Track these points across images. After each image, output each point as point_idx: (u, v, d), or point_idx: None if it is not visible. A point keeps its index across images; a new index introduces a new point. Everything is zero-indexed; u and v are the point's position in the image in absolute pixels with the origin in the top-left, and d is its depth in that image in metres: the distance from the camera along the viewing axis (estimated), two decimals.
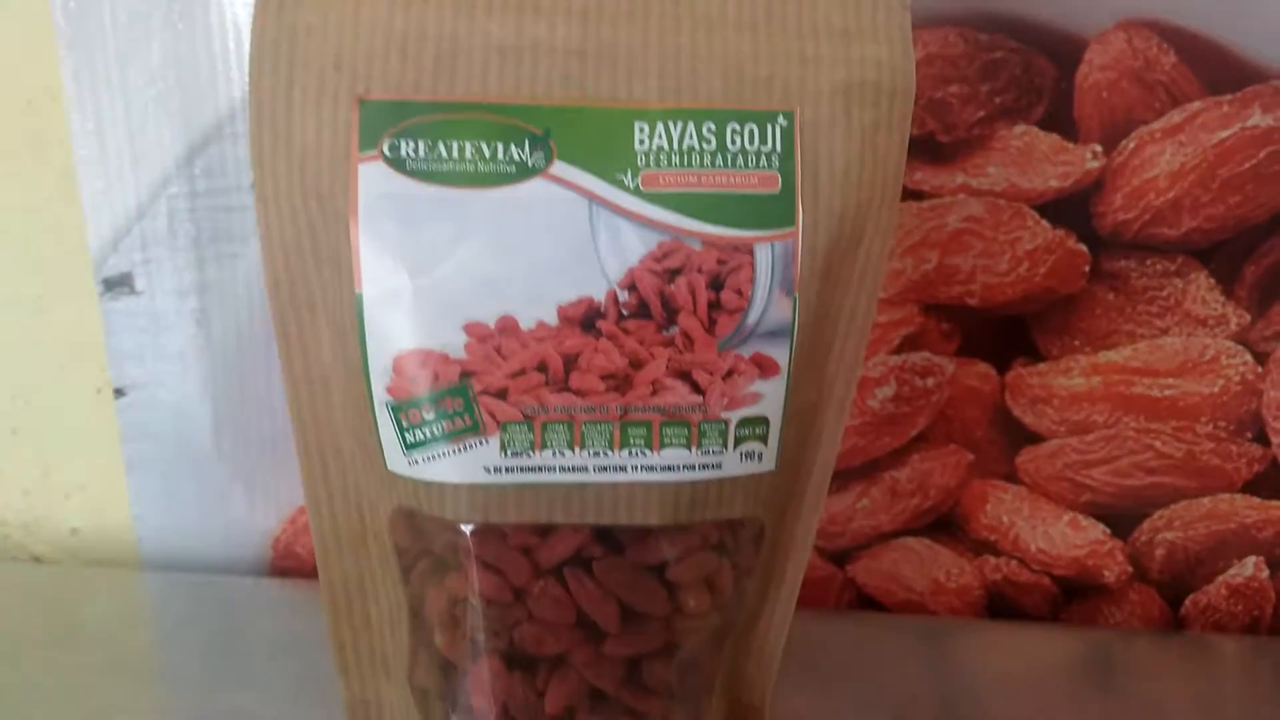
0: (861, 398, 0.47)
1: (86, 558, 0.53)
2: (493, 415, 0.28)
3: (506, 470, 0.29)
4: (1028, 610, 0.50)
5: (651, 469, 0.29)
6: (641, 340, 0.28)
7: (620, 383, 0.28)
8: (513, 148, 0.28)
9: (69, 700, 0.40)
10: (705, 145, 0.28)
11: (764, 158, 0.28)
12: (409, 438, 0.29)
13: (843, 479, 0.48)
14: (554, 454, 0.29)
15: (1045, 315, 0.46)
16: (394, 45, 0.27)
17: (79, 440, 0.51)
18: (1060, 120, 0.44)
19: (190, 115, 0.46)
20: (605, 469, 0.29)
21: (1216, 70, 0.43)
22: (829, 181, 0.29)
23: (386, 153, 0.27)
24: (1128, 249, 0.45)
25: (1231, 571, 0.48)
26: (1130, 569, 0.49)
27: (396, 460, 0.29)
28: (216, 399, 0.49)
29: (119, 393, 0.50)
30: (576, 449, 0.29)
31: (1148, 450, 0.47)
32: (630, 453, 0.29)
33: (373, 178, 0.27)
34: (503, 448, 0.28)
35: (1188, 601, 0.49)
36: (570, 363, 0.28)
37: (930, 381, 0.47)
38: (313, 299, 0.29)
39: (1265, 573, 0.48)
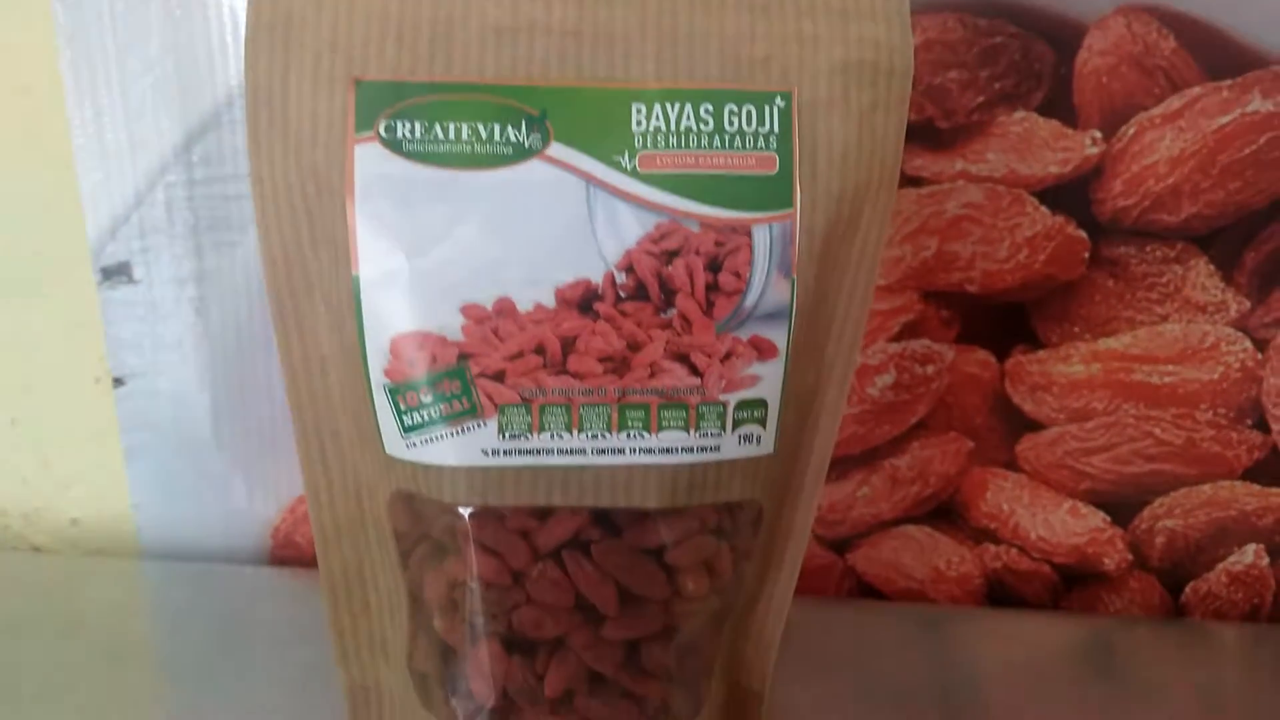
0: (861, 385, 0.47)
1: (86, 548, 0.53)
2: (490, 398, 0.28)
3: (504, 453, 0.29)
4: (1028, 598, 0.49)
5: (650, 451, 0.29)
6: (639, 322, 0.28)
7: (618, 365, 0.28)
8: (509, 129, 0.28)
9: (69, 690, 0.40)
10: (703, 126, 0.28)
11: (762, 139, 0.28)
12: (407, 420, 0.29)
13: (843, 467, 0.48)
14: (552, 436, 0.29)
15: (1045, 302, 0.46)
16: (390, 26, 0.27)
17: (78, 430, 0.51)
18: (1060, 106, 0.44)
19: (188, 103, 0.46)
20: (603, 451, 0.29)
21: (1216, 55, 0.43)
22: (827, 163, 0.29)
23: (383, 134, 0.27)
24: (1127, 235, 0.45)
25: (1232, 559, 0.48)
26: (1130, 557, 0.48)
27: (394, 443, 0.29)
28: (215, 388, 0.49)
29: (118, 382, 0.50)
30: (574, 431, 0.29)
31: (1148, 437, 0.47)
32: (628, 435, 0.29)
33: (369, 159, 0.27)
34: (500, 430, 0.28)
35: (1188, 589, 0.49)
36: (568, 345, 0.28)
37: (930, 369, 0.47)
38: (309, 280, 0.29)
39: (1265, 560, 0.48)
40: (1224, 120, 0.43)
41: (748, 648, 0.34)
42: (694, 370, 0.29)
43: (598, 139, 0.28)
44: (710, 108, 0.28)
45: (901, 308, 0.46)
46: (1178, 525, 0.48)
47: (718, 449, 0.29)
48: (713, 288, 0.28)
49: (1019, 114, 0.44)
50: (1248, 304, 0.45)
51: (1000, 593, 0.50)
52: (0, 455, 0.52)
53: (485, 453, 0.28)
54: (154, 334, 0.49)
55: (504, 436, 0.28)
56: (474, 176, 0.28)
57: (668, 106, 0.28)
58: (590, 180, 0.28)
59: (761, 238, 0.28)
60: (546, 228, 0.28)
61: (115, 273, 0.48)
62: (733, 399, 0.29)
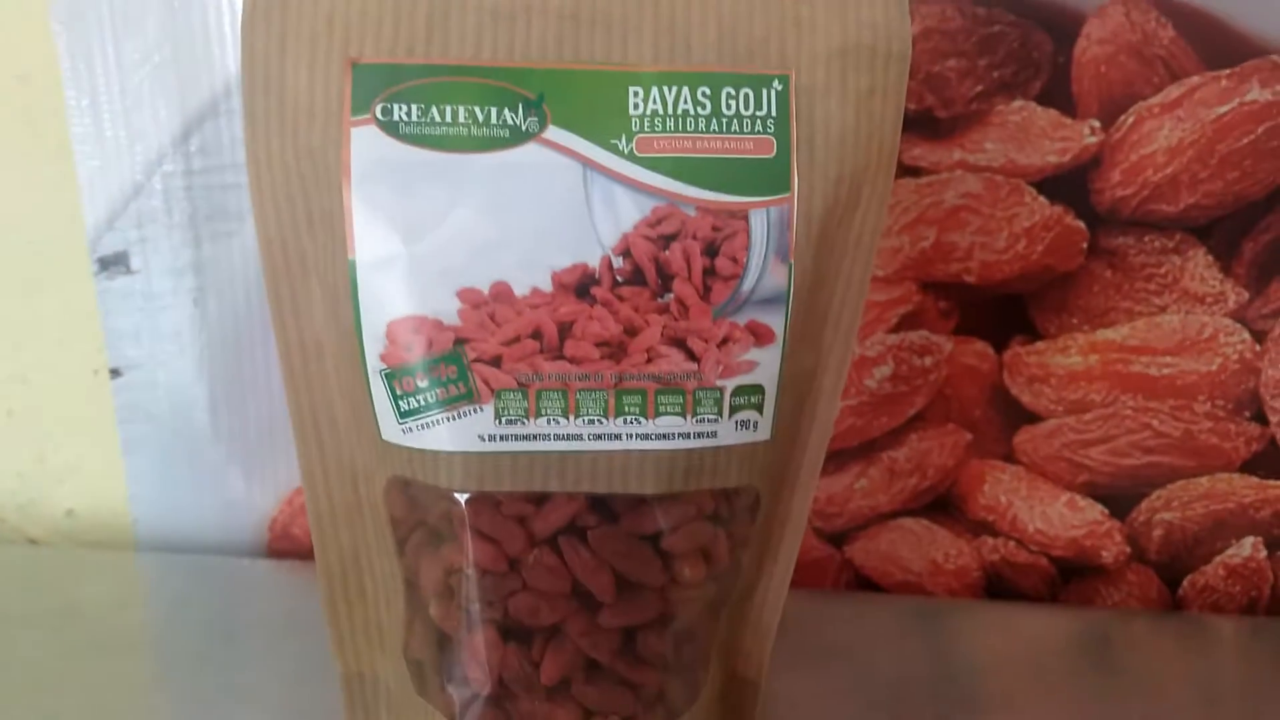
0: (859, 377, 0.47)
1: (82, 539, 0.53)
2: (487, 383, 0.28)
3: (501, 438, 0.28)
4: (1025, 591, 0.49)
5: (646, 437, 0.29)
6: (636, 307, 0.28)
7: (615, 350, 0.28)
8: (506, 112, 0.27)
9: (66, 682, 0.40)
10: (700, 109, 0.28)
11: (759, 122, 0.28)
12: (403, 405, 0.29)
13: (840, 459, 0.48)
14: (548, 422, 0.28)
15: (1043, 293, 0.46)
16: (386, 8, 0.27)
17: (75, 422, 0.51)
18: (1058, 95, 0.44)
19: (186, 92, 0.46)
20: (600, 437, 0.29)
21: (1215, 45, 0.43)
22: (825, 147, 0.29)
23: (379, 116, 0.27)
24: (1126, 226, 0.45)
25: (1229, 552, 0.48)
26: (1128, 549, 0.48)
27: (391, 429, 0.29)
28: (213, 379, 0.49)
29: (115, 373, 0.50)
30: (571, 417, 0.28)
31: (1145, 429, 0.47)
32: (625, 421, 0.29)
33: (366, 142, 0.27)
34: (497, 415, 0.28)
35: (1185, 582, 0.49)
36: (565, 330, 0.28)
37: (928, 360, 0.47)
38: (305, 262, 0.29)
39: (1263, 553, 0.48)
40: (1222, 110, 0.43)
41: (745, 636, 0.34)
42: (691, 355, 0.29)
43: (595, 122, 0.28)
44: (708, 91, 0.28)
45: (900, 298, 0.46)
46: (1175, 518, 0.48)
47: (715, 435, 0.29)
48: (710, 272, 0.28)
49: (1017, 103, 0.44)
50: (1246, 295, 0.45)
51: (998, 585, 0.50)
52: None
53: (482, 438, 0.28)
54: (152, 324, 0.49)
55: (500, 422, 0.28)
56: (471, 160, 0.27)
57: (665, 90, 0.28)
58: (587, 164, 0.28)
59: (759, 222, 0.28)
60: (543, 211, 0.28)
61: (113, 263, 0.48)
62: (730, 384, 0.29)
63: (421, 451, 0.29)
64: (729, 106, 0.28)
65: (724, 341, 0.29)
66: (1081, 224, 0.45)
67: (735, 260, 0.28)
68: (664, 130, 0.28)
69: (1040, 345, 0.47)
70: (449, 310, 0.28)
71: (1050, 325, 0.46)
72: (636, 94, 0.28)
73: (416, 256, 0.28)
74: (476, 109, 0.27)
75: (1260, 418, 0.46)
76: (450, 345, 0.28)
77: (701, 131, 0.28)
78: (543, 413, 0.28)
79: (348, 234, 0.28)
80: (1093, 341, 0.46)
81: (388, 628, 0.32)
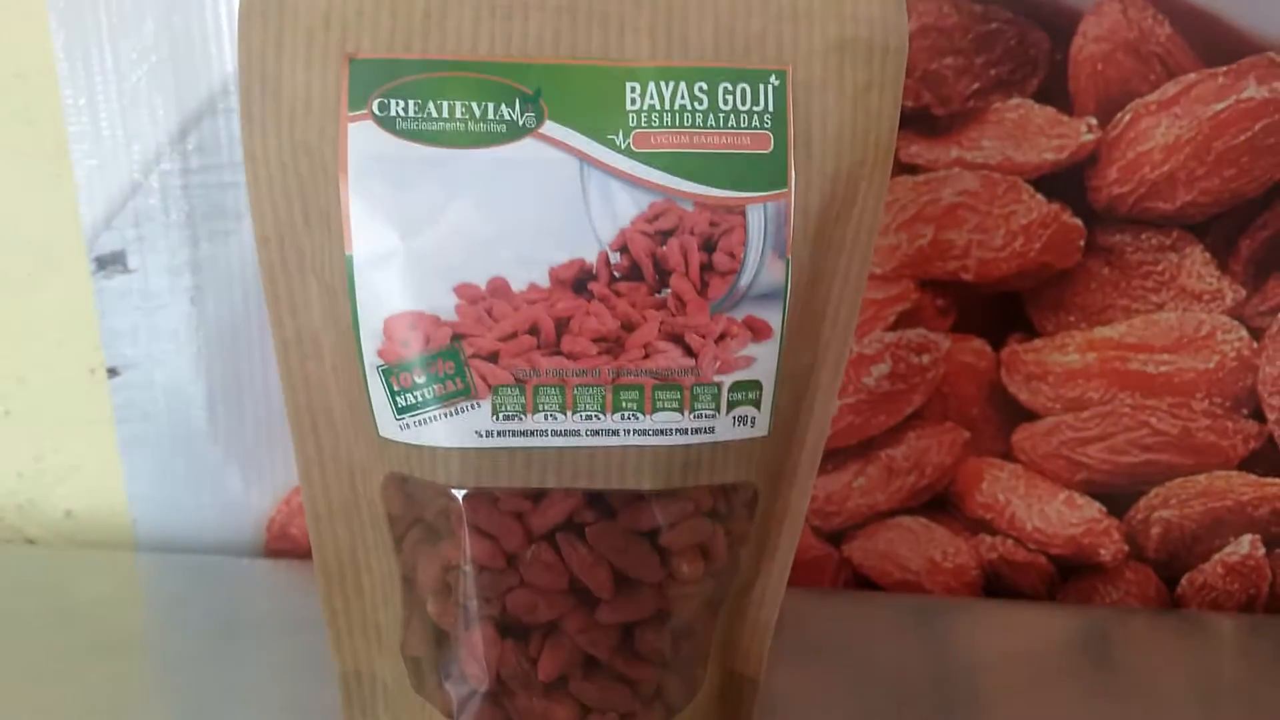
0: (857, 375, 0.47)
1: (81, 540, 0.53)
2: (484, 378, 0.28)
3: (498, 434, 0.28)
4: (1024, 589, 0.49)
5: (644, 433, 0.29)
6: (633, 303, 0.28)
7: (612, 345, 0.28)
8: (503, 107, 0.27)
9: (65, 681, 0.39)
10: (697, 105, 0.28)
11: (756, 117, 0.28)
12: (400, 401, 0.29)
13: (838, 458, 0.48)
14: (546, 417, 0.28)
15: (1040, 291, 0.46)
16: (383, 4, 0.27)
17: (73, 421, 0.51)
18: (1055, 93, 0.44)
19: (183, 91, 0.46)
20: (597, 433, 0.29)
21: (1212, 42, 0.43)
22: (822, 141, 0.29)
23: (376, 111, 0.27)
24: (1123, 223, 0.45)
25: (1228, 549, 0.48)
26: (1126, 547, 0.48)
27: (388, 425, 0.29)
28: (211, 378, 0.49)
29: (113, 372, 0.50)
30: (568, 412, 0.28)
31: (1143, 427, 0.47)
32: (622, 416, 0.29)
33: (363, 137, 0.27)
34: (494, 411, 0.28)
35: (1184, 580, 0.49)
36: (562, 325, 0.28)
37: (926, 358, 0.47)
38: (302, 258, 0.29)
39: (1261, 550, 0.48)
40: (1219, 107, 0.43)
41: (743, 633, 0.34)
42: (688, 351, 0.29)
43: (592, 117, 0.28)
44: (705, 86, 0.28)
45: (897, 296, 0.46)
46: (1174, 516, 0.48)
47: (712, 430, 0.29)
48: (707, 268, 0.28)
49: (1014, 101, 0.44)
50: (1243, 292, 0.45)
51: (996, 584, 0.49)
52: None
53: (479, 434, 0.28)
54: (149, 324, 0.49)
55: (498, 417, 0.28)
56: (468, 155, 0.27)
57: (662, 85, 0.28)
58: (584, 159, 0.28)
59: (756, 217, 0.28)
60: (540, 207, 0.28)
61: (110, 262, 0.48)
62: (727, 380, 0.29)
63: (419, 448, 0.29)
64: (726, 102, 0.28)
65: (721, 337, 0.29)
66: (1079, 221, 0.45)
67: (733, 256, 0.28)
68: (661, 125, 0.28)
69: (1038, 343, 0.47)
70: (446, 306, 0.28)
71: (1048, 323, 0.46)
72: (634, 89, 0.28)
73: (414, 252, 0.28)
74: (474, 104, 0.27)
75: (1258, 415, 0.46)
76: (447, 341, 0.28)
77: (699, 127, 0.28)
78: (540, 408, 0.28)
79: (345, 229, 0.28)
80: (1090, 339, 0.46)
81: (385, 625, 0.32)
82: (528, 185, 0.28)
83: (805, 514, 0.33)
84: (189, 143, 0.46)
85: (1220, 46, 0.43)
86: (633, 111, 0.28)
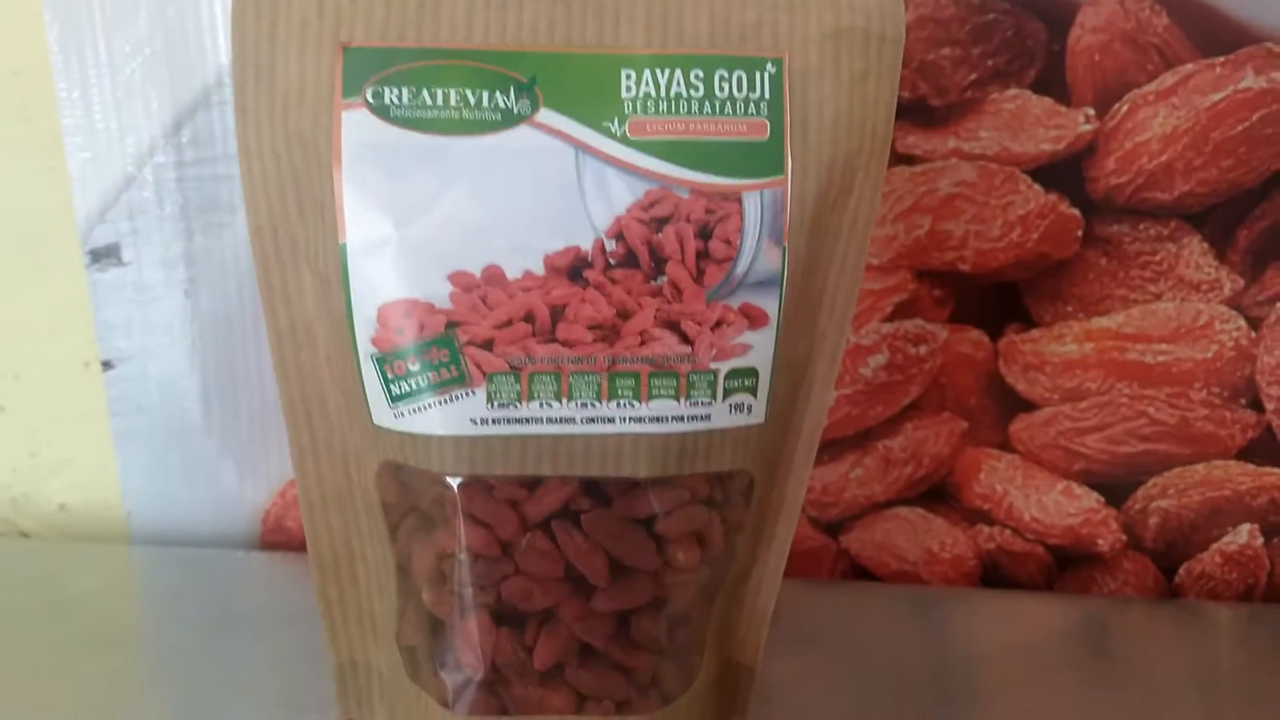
0: (854, 366, 0.47)
1: (76, 533, 0.53)
2: (479, 366, 0.28)
3: (493, 422, 0.28)
4: (1022, 580, 0.49)
5: (640, 420, 0.29)
6: (629, 290, 0.28)
7: (608, 333, 0.28)
8: (498, 95, 0.27)
9: (60, 675, 0.39)
10: (693, 92, 0.28)
11: (752, 105, 0.28)
12: (394, 390, 0.28)
13: (836, 448, 0.48)
14: (541, 405, 0.28)
15: (1038, 281, 0.46)
16: None
17: (67, 415, 0.51)
18: (1053, 83, 0.44)
19: (177, 83, 0.46)
20: (593, 420, 0.29)
21: (1209, 32, 0.43)
22: (818, 129, 0.28)
23: (370, 100, 0.27)
24: (1120, 213, 0.45)
25: (1226, 539, 0.48)
26: (1124, 537, 0.48)
27: (382, 413, 0.29)
28: (205, 371, 0.49)
29: (107, 365, 0.50)
30: (564, 400, 0.28)
31: (1141, 417, 0.47)
32: (618, 404, 0.29)
33: (356, 126, 0.27)
34: (489, 399, 0.28)
35: (1182, 569, 0.49)
36: (557, 313, 0.28)
37: (923, 349, 0.47)
38: (296, 247, 0.29)
39: (1259, 540, 0.48)
40: (1217, 97, 0.43)
41: (739, 621, 0.34)
42: (684, 338, 0.29)
43: (587, 105, 0.28)
44: (700, 74, 0.28)
45: (894, 287, 0.46)
46: (1172, 505, 0.48)
47: (708, 418, 0.29)
48: (703, 255, 0.28)
49: (1012, 91, 0.44)
50: (1241, 282, 0.45)
51: (994, 575, 0.49)
52: None
53: (474, 422, 0.28)
54: (144, 317, 0.49)
55: (493, 405, 0.28)
56: (462, 143, 0.27)
57: (658, 72, 0.28)
58: (580, 147, 0.28)
59: (752, 205, 0.28)
60: (536, 194, 0.28)
61: (104, 255, 0.48)
62: (723, 367, 0.29)
63: (413, 436, 0.29)
64: (722, 89, 0.28)
65: (717, 324, 0.29)
66: (1076, 212, 0.45)
67: (729, 243, 0.28)
68: (657, 113, 0.28)
69: (1035, 333, 0.46)
70: (440, 293, 0.28)
71: (1045, 313, 0.46)
72: (629, 76, 0.28)
73: (408, 240, 0.27)
74: (468, 92, 0.27)
75: (1256, 404, 0.46)
76: (442, 328, 0.28)
77: (694, 114, 0.28)
78: (535, 396, 0.28)
79: (339, 218, 0.27)
80: (1088, 329, 0.46)
81: (380, 614, 0.32)
82: (523, 173, 0.27)
83: (801, 503, 0.33)
84: (183, 135, 0.46)
85: (1218, 37, 0.43)
86: (628, 99, 0.28)
